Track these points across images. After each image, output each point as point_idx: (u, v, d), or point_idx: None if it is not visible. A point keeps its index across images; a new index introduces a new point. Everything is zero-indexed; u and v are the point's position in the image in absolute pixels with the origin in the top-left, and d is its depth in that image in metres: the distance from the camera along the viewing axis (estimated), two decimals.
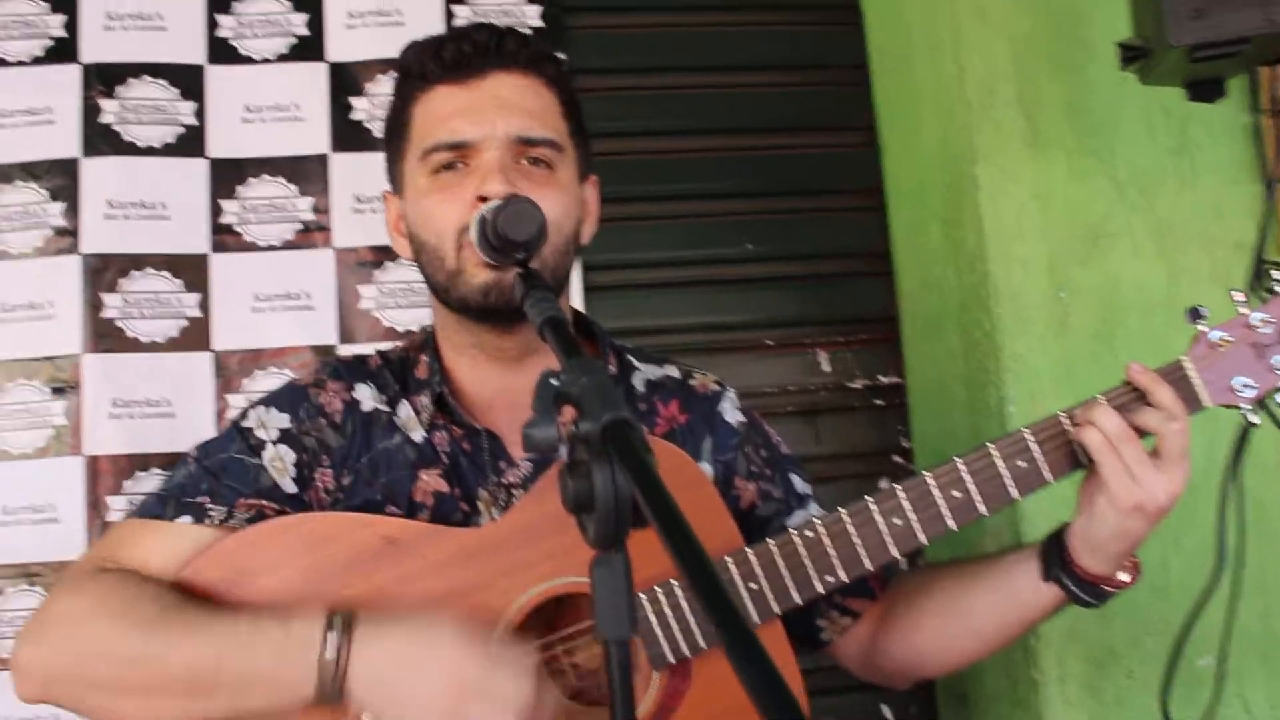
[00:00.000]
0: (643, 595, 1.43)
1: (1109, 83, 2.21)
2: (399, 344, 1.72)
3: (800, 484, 1.68)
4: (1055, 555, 1.48)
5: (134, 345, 2.32)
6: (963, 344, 2.26)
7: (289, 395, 1.62)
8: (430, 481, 1.56)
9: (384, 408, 1.60)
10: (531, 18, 2.51)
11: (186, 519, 1.49)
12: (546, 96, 1.55)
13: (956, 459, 1.42)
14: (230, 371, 2.36)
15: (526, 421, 0.96)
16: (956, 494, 1.42)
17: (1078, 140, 2.19)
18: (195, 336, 2.35)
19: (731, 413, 1.68)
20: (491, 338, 1.55)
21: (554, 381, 1.00)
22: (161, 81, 2.39)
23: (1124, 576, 1.46)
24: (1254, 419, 1.45)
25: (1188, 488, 2.12)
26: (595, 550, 0.99)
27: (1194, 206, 2.19)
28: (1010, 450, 1.43)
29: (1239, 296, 1.43)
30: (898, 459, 2.52)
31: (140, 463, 2.29)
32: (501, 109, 1.50)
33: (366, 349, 2.36)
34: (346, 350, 2.38)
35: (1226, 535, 1.82)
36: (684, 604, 1.43)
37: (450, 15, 2.49)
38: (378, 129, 2.41)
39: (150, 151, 2.37)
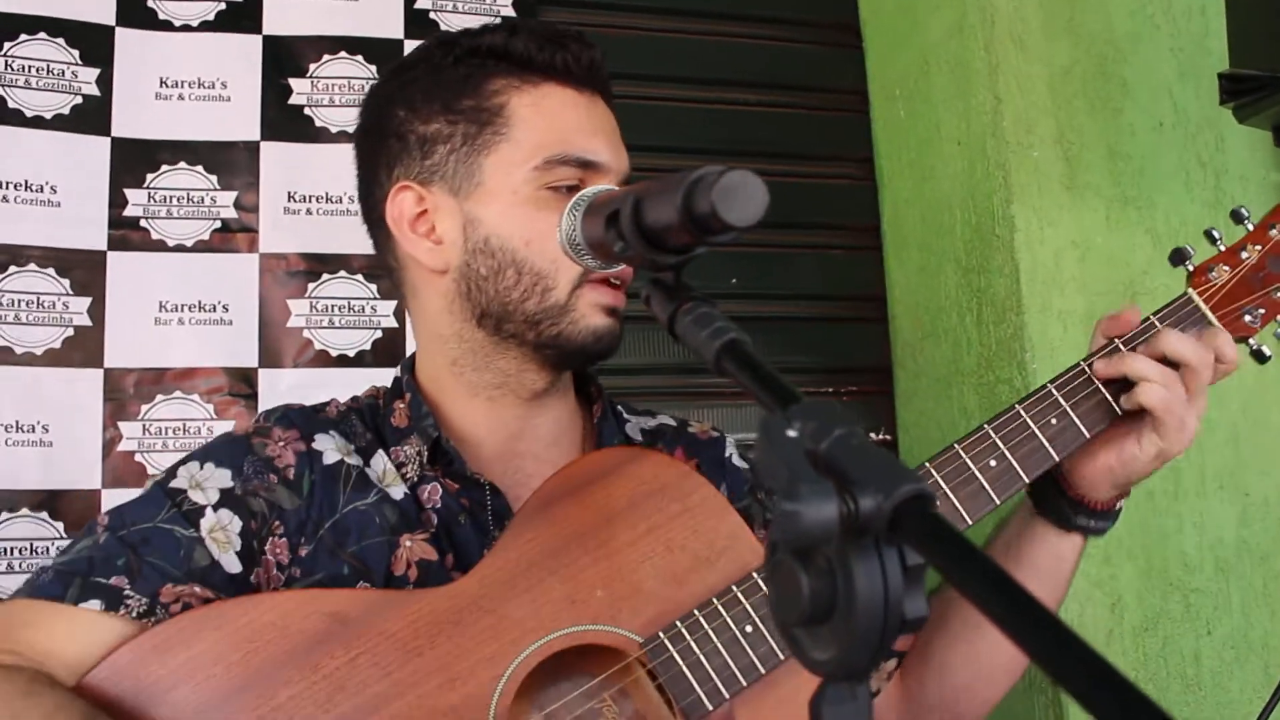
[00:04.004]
0: (662, 635, 1.16)
1: (1146, 127, 2.05)
2: (357, 395, 1.40)
3: None
4: (1064, 506, 1.32)
5: (4, 357, 1.89)
6: (981, 402, 2.03)
7: (228, 448, 1.27)
8: (415, 548, 1.23)
9: (353, 460, 1.27)
10: (503, 6, 2.20)
11: (94, 604, 1.11)
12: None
13: (986, 425, 1.27)
14: (124, 395, 1.95)
15: (786, 494, 0.64)
16: (994, 463, 1.26)
17: (1116, 187, 2.00)
18: (83, 349, 1.94)
19: (738, 458, 1.46)
20: (538, 376, 1.30)
21: (792, 433, 0.69)
22: (59, 41, 1.99)
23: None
24: (1267, 351, 1.34)
25: (1217, 570, 1.99)
26: (825, 680, 0.69)
27: None
28: (1040, 409, 1.28)
29: (1217, 234, 1.35)
30: None
31: (6, 502, 1.85)
32: (617, 140, 1.32)
33: (294, 375, 2.02)
34: (268, 375, 2.01)
35: None
36: (714, 638, 1.16)
37: None
38: (321, 116, 2.09)
39: (39, 123, 1.96)
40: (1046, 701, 1.87)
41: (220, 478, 1.23)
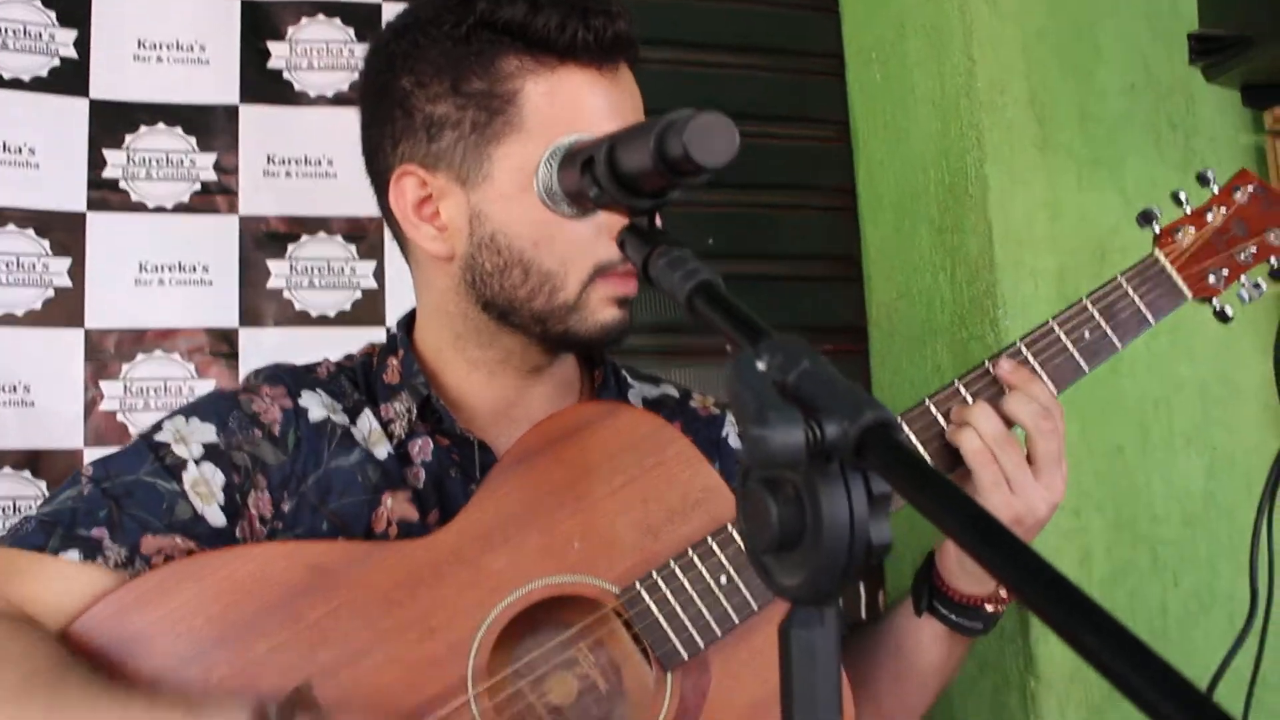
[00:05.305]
0: (639, 586, 1.18)
1: (1118, 89, 2.07)
2: (351, 353, 1.41)
3: None
4: (925, 584, 1.33)
5: None
6: (954, 359, 2.06)
7: (214, 403, 1.28)
8: (396, 507, 1.25)
9: (339, 418, 1.28)
10: None
11: (73, 554, 1.13)
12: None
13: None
14: (105, 355, 1.96)
15: (754, 420, 0.67)
16: None
17: (1088, 148, 2.03)
18: (63, 310, 1.95)
19: (735, 439, 1.46)
20: (541, 356, 1.31)
21: (761, 366, 0.72)
22: (35, 3, 1.98)
23: (1004, 591, 1.31)
24: (1230, 312, 1.37)
25: (1184, 521, 2.03)
26: (792, 604, 0.72)
27: None
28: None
29: (1184, 195, 1.38)
30: None
31: None
32: (638, 116, 1.24)
33: (275, 334, 2.03)
34: (249, 335, 2.02)
35: (1259, 574, 1.66)
36: (689, 588, 1.19)
37: None
38: (299, 81, 2.09)
39: (18, 85, 1.95)
40: (1016, 650, 1.91)
41: (205, 432, 1.24)
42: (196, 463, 1.21)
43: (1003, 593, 1.31)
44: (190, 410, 1.27)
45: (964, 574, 1.30)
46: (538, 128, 1.19)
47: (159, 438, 1.23)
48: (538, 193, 1.04)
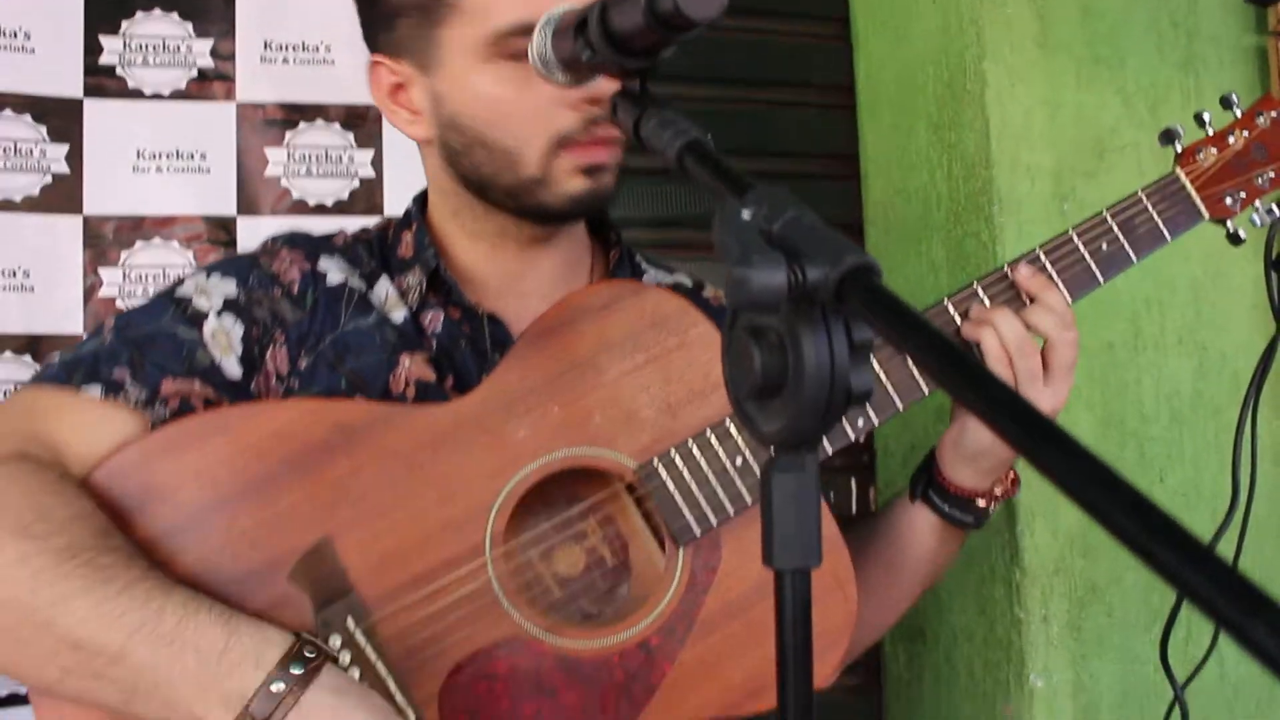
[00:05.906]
0: (656, 461, 1.21)
1: None
2: (367, 227, 1.43)
3: None
4: (924, 474, 1.37)
5: None
6: (949, 256, 2.07)
7: (234, 262, 1.31)
8: (414, 368, 1.27)
9: (356, 284, 1.31)
10: None
11: (94, 389, 1.16)
12: None
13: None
14: (104, 241, 1.97)
15: (738, 261, 0.68)
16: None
17: (1088, 47, 2.02)
18: (61, 196, 1.95)
19: None
20: (532, 229, 1.32)
21: (746, 215, 0.73)
22: None
23: (999, 490, 1.36)
24: (1243, 234, 1.39)
25: (1172, 421, 2.06)
26: (775, 450, 0.74)
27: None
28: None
29: (1207, 116, 1.38)
30: None
31: None
32: None
33: (272, 223, 2.04)
34: (246, 223, 2.03)
35: (1240, 469, 1.68)
36: (705, 467, 1.22)
37: None
38: None
39: None
40: (1002, 543, 1.95)
41: (225, 286, 1.27)
42: (217, 314, 1.25)
43: (996, 490, 1.35)
44: (212, 268, 1.30)
45: (961, 467, 1.33)
46: (473, 7, 1.20)
47: (180, 292, 1.27)
48: (532, 62, 1.04)
